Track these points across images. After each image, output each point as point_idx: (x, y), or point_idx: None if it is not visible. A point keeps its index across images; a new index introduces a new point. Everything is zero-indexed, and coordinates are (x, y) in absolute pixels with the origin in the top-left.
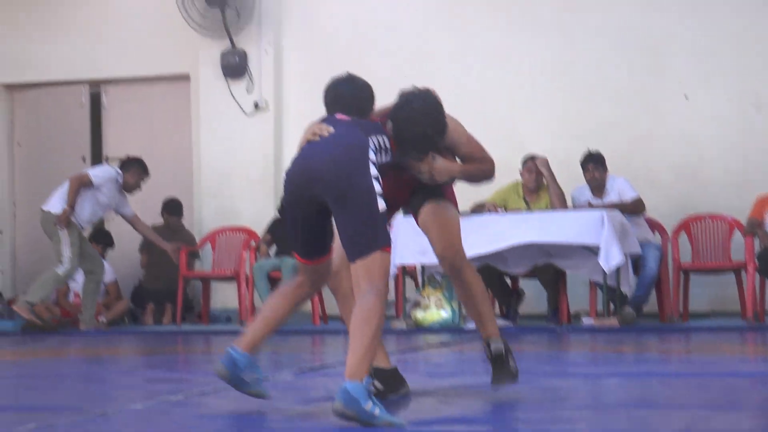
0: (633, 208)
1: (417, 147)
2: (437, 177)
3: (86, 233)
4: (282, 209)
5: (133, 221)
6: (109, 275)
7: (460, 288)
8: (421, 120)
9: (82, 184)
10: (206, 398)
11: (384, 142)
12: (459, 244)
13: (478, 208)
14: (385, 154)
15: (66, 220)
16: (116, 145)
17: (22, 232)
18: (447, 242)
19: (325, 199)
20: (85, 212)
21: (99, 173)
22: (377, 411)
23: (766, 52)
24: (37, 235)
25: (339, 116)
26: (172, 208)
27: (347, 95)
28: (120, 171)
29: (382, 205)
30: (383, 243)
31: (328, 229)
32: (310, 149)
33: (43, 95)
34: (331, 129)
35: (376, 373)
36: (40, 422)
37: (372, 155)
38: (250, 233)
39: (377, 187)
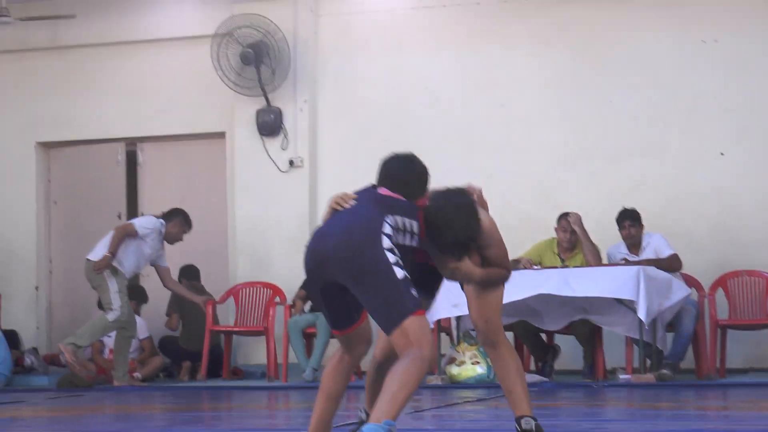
0: (669, 265)
1: (450, 251)
2: (458, 277)
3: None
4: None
5: (166, 274)
6: (143, 332)
7: (495, 361)
8: (455, 227)
9: (126, 234)
10: None
11: (411, 226)
12: (497, 319)
13: (513, 264)
14: (410, 238)
15: (106, 265)
16: (152, 203)
17: (57, 288)
18: (484, 316)
19: (339, 277)
20: (130, 262)
21: (144, 223)
22: None
23: None
24: (72, 291)
25: (382, 190)
26: (190, 273)
27: (396, 174)
28: (164, 221)
29: (400, 273)
30: (413, 308)
31: (351, 300)
32: (322, 229)
33: (79, 153)
34: (353, 202)
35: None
36: None
37: (387, 229)
38: (275, 289)
39: (391, 257)
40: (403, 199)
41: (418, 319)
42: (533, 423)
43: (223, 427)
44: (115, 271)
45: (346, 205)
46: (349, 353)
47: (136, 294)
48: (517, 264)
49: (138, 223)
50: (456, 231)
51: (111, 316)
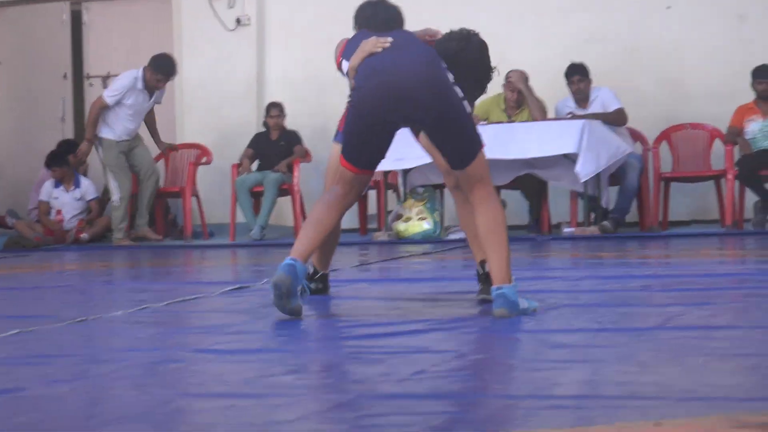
0: (614, 119)
1: (476, 87)
2: None
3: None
4: (356, 118)
5: (151, 112)
6: (91, 193)
7: (464, 205)
8: (484, 61)
9: (100, 108)
10: (186, 305)
11: None
12: None
13: None
14: None
15: (85, 153)
16: (97, 63)
17: (3, 150)
18: None
19: (417, 119)
20: (119, 127)
21: (113, 88)
22: (526, 304)
23: None
24: (18, 154)
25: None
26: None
27: (386, 20)
28: (141, 70)
29: (468, 108)
30: (480, 143)
31: (387, 142)
32: (389, 64)
33: (23, 13)
34: (390, 39)
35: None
36: (21, 328)
37: (444, 64)
38: (202, 148)
39: (459, 92)
40: None
41: (483, 154)
42: None
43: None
44: (101, 144)
45: (387, 45)
46: (354, 192)
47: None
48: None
49: (106, 93)
50: (484, 68)
51: (114, 200)
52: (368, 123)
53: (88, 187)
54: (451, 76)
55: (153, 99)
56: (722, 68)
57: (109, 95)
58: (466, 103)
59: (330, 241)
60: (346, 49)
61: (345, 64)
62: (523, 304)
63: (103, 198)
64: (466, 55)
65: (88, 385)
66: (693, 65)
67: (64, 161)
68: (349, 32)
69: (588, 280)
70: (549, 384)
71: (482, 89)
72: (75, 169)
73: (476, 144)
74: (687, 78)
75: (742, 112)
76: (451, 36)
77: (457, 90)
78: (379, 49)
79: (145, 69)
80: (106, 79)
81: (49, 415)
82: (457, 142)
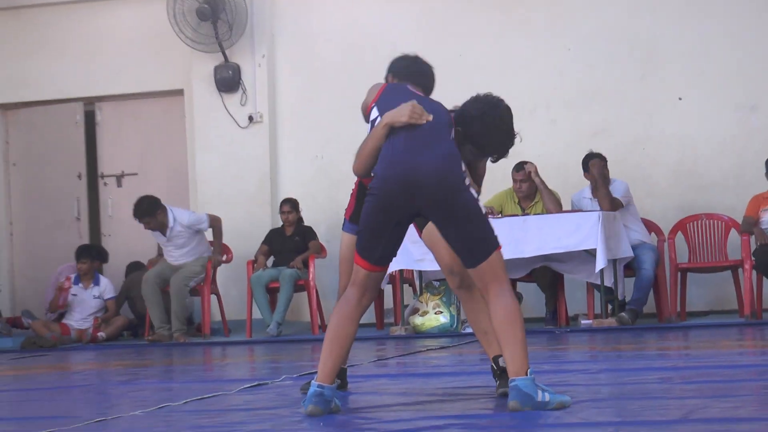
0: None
1: (498, 151)
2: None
3: None
4: (371, 210)
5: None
6: (109, 292)
7: (467, 303)
8: (508, 125)
9: None
10: (204, 403)
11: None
12: None
13: None
14: None
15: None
16: (111, 162)
17: (19, 251)
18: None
19: (428, 213)
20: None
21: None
22: (548, 397)
23: (761, 53)
24: (34, 254)
25: (412, 89)
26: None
27: (422, 72)
28: None
29: (483, 209)
30: (496, 243)
31: (401, 237)
32: (410, 157)
33: (37, 114)
34: (431, 117)
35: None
36: (41, 430)
37: (462, 165)
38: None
39: (474, 193)
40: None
41: (500, 254)
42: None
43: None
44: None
45: (423, 122)
46: (368, 294)
47: (98, 254)
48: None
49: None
50: (505, 134)
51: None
52: (385, 214)
53: (106, 286)
54: (467, 179)
55: (167, 236)
56: (735, 158)
57: None
58: (480, 204)
59: None
60: (381, 99)
61: (375, 112)
62: (544, 397)
63: (119, 298)
64: (492, 117)
65: None
66: (706, 155)
67: (93, 256)
68: (360, 131)
69: (606, 373)
70: None
71: (503, 153)
72: (96, 270)
73: (490, 244)
74: (700, 168)
75: (757, 202)
76: (478, 98)
77: (473, 192)
78: (421, 122)
79: None
80: (120, 179)
81: None
82: (468, 241)
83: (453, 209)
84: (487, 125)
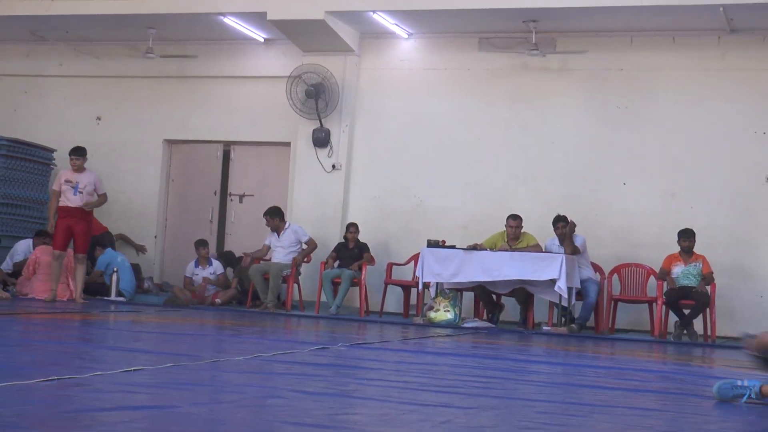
0: (573, 251)
1: None
2: None
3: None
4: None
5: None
6: (219, 269)
7: None
8: None
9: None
10: (284, 356)
11: None
12: None
13: (473, 247)
14: None
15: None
16: (236, 187)
17: (169, 237)
18: None
19: None
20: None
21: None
22: None
23: (680, 156)
24: (179, 239)
25: None
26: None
27: None
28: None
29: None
30: None
31: None
32: None
33: (191, 149)
34: None
35: None
36: (174, 362)
37: None
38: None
39: None
40: None
41: None
42: None
43: (271, 337)
44: None
45: None
46: None
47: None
48: (475, 247)
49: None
50: None
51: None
52: None
53: (217, 266)
54: None
55: (279, 237)
56: (658, 228)
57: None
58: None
59: None
60: None
61: None
62: None
63: (234, 278)
64: None
65: (218, 408)
66: (638, 224)
67: (206, 246)
68: (407, 183)
69: (556, 366)
70: None
71: None
72: (210, 256)
73: None
74: (634, 233)
75: (670, 259)
76: None
77: None
78: None
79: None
80: (242, 197)
81: (191, 427)
82: None
83: None
84: None
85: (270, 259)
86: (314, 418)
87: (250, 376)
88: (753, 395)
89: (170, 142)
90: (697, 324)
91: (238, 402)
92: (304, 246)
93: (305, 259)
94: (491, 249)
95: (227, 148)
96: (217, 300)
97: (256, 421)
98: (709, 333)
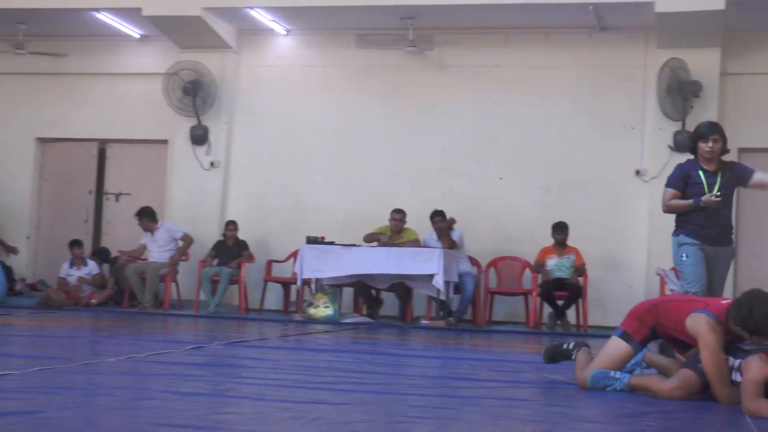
0: (451, 246)
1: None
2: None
3: None
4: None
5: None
6: (95, 269)
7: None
8: None
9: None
10: (159, 357)
11: None
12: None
13: (370, 237)
14: None
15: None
16: (112, 186)
17: (42, 238)
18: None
19: None
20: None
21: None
22: None
23: (553, 152)
24: (52, 239)
25: None
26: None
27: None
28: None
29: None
30: None
31: None
32: None
33: (65, 147)
34: None
35: None
36: (42, 366)
37: None
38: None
39: None
40: None
41: None
42: None
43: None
44: None
45: None
46: None
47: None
48: (372, 237)
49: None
50: None
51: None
52: None
53: (93, 266)
54: None
55: (153, 237)
56: (533, 221)
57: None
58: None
59: None
60: None
61: None
62: None
63: (110, 278)
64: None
65: (88, 412)
66: (514, 218)
67: (81, 246)
68: (285, 181)
69: (434, 360)
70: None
71: None
72: (86, 256)
73: None
74: (509, 226)
75: (545, 252)
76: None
77: None
78: None
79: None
80: (118, 196)
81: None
82: None
83: None
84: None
85: (147, 259)
86: (186, 419)
87: (123, 377)
88: (621, 387)
89: (43, 141)
90: (571, 314)
91: (109, 405)
92: (180, 243)
93: (183, 257)
94: (374, 243)
95: (103, 146)
96: (93, 300)
97: (127, 424)
98: (581, 323)
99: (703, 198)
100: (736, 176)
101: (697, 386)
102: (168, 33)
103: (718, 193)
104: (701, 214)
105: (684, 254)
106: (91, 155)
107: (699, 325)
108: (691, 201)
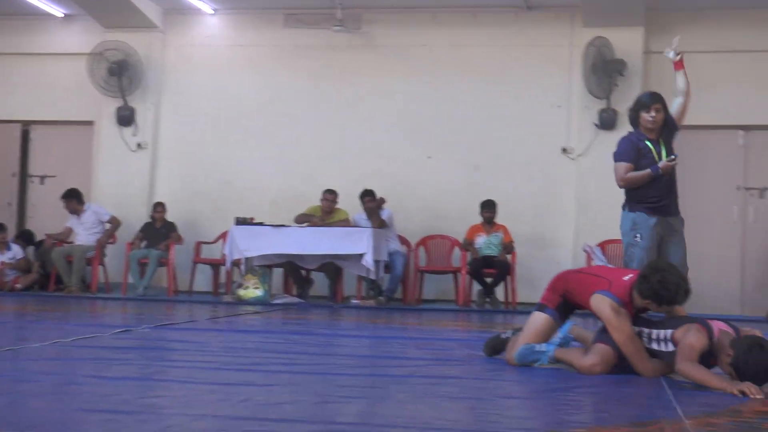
0: (380, 225)
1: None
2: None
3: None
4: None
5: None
6: (19, 254)
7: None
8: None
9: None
10: (86, 341)
11: None
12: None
13: (300, 218)
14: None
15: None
16: (37, 168)
17: None
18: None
19: None
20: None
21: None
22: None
23: (484, 131)
24: None
25: None
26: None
27: None
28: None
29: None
30: None
31: None
32: None
33: None
34: None
35: None
36: None
37: None
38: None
39: None
40: None
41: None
42: None
43: (76, 323)
44: None
45: None
46: None
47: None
48: (303, 218)
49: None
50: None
51: None
52: None
53: (17, 251)
54: None
55: (80, 219)
56: (462, 200)
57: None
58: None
59: None
60: None
61: None
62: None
63: (36, 262)
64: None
65: (11, 399)
66: (443, 197)
67: (4, 230)
68: (214, 162)
69: (367, 339)
70: (334, 413)
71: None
72: (9, 240)
73: None
74: (439, 205)
75: (474, 230)
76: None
77: None
78: None
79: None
80: (43, 179)
81: None
82: None
83: None
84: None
85: (73, 242)
86: (114, 403)
87: (48, 363)
88: (546, 360)
89: None
90: (499, 291)
91: (34, 391)
92: (107, 226)
93: (110, 240)
94: (305, 224)
95: (26, 127)
96: (18, 285)
97: (52, 410)
98: (510, 300)
99: (661, 164)
100: (669, 129)
101: (614, 360)
102: (92, 12)
103: (672, 156)
104: (655, 186)
105: (638, 235)
106: (14, 137)
107: (603, 309)
108: (648, 170)
